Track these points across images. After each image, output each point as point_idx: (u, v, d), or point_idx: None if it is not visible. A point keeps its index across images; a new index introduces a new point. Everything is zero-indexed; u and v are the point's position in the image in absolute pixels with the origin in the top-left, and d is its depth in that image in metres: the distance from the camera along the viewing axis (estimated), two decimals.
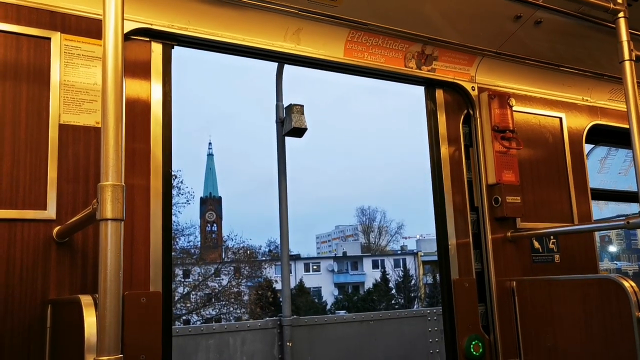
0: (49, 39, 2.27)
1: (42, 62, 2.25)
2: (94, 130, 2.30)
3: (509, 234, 3.29)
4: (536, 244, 3.38)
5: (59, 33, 2.29)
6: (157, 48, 2.54)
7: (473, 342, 3.08)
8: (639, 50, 2.79)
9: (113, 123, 1.46)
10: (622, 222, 2.72)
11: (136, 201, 2.37)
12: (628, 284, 2.57)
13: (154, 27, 2.49)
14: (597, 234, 3.91)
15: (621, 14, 2.78)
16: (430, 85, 3.34)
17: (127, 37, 2.40)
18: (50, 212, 2.16)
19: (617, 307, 2.61)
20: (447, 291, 3.15)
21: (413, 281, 45.78)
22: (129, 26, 2.38)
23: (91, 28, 2.35)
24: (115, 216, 1.40)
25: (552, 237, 3.44)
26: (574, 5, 3.07)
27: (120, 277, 1.38)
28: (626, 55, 2.72)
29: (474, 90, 3.38)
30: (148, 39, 2.52)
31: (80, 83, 2.31)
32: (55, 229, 2.14)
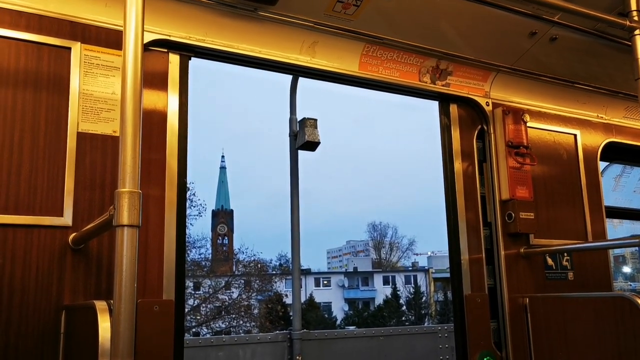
0: (70, 48, 2.32)
1: (62, 72, 2.29)
2: (111, 139, 2.33)
3: (522, 250, 3.27)
4: (549, 261, 3.35)
5: (79, 43, 2.34)
6: (174, 59, 2.57)
7: (485, 359, 3.05)
8: None
9: (131, 131, 1.48)
10: (637, 240, 2.70)
11: (151, 211, 2.39)
12: None
13: (172, 38, 2.53)
14: (611, 253, 3.87)
15: (637, 32, 2.78)
16: (444, 100, 3.34)
17: (146, 47, 2.42)
18: (67, 219, 2.19)
19: (631, 326, 2.57)
20: (459, 306, 3.13)
21: (424, 298, 45.34)
22: (148, 37, 2.42)
23: (110, 38, 2.40)
24: (132, 222, 1.41)
25: (565, 254, 3.41)
26: (590, 22, 3.07)
27: (134, 283, 1.39)
28: None
29: (488, 105, 3.37)
30: (166, 50, 2.55)
31: (98, 92, 2.34)
32: (71, 236, 2.17)
